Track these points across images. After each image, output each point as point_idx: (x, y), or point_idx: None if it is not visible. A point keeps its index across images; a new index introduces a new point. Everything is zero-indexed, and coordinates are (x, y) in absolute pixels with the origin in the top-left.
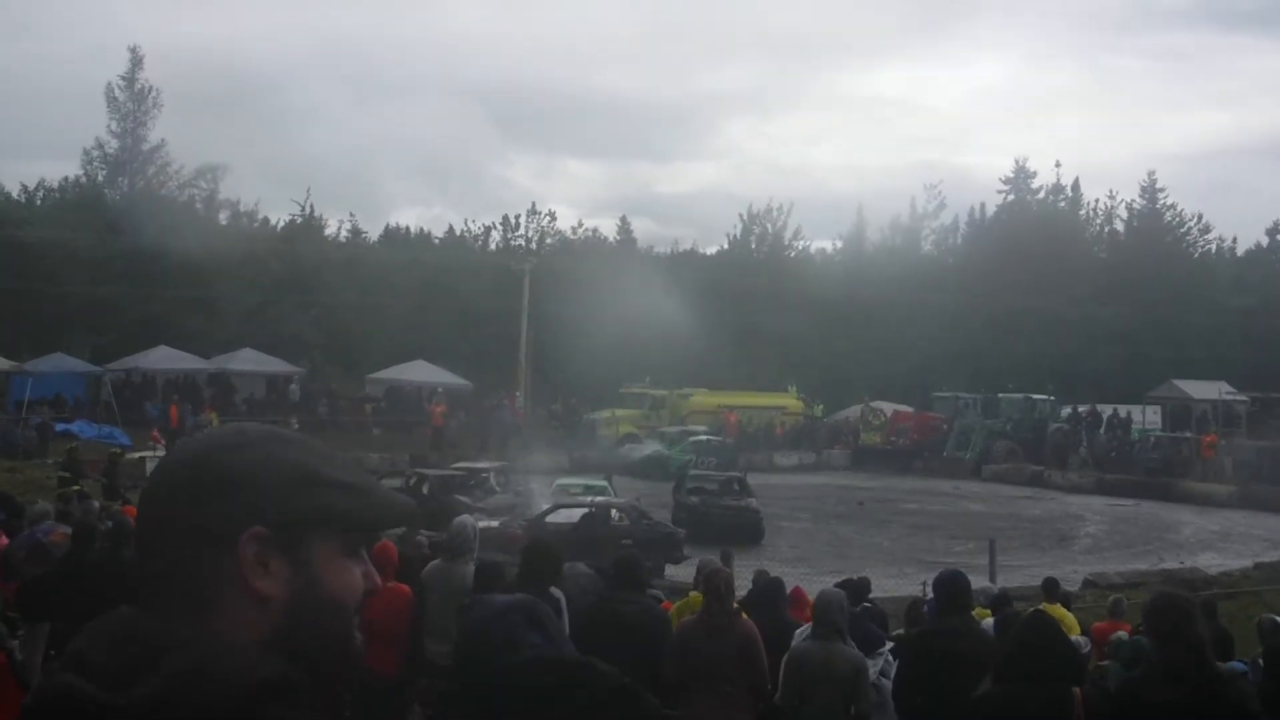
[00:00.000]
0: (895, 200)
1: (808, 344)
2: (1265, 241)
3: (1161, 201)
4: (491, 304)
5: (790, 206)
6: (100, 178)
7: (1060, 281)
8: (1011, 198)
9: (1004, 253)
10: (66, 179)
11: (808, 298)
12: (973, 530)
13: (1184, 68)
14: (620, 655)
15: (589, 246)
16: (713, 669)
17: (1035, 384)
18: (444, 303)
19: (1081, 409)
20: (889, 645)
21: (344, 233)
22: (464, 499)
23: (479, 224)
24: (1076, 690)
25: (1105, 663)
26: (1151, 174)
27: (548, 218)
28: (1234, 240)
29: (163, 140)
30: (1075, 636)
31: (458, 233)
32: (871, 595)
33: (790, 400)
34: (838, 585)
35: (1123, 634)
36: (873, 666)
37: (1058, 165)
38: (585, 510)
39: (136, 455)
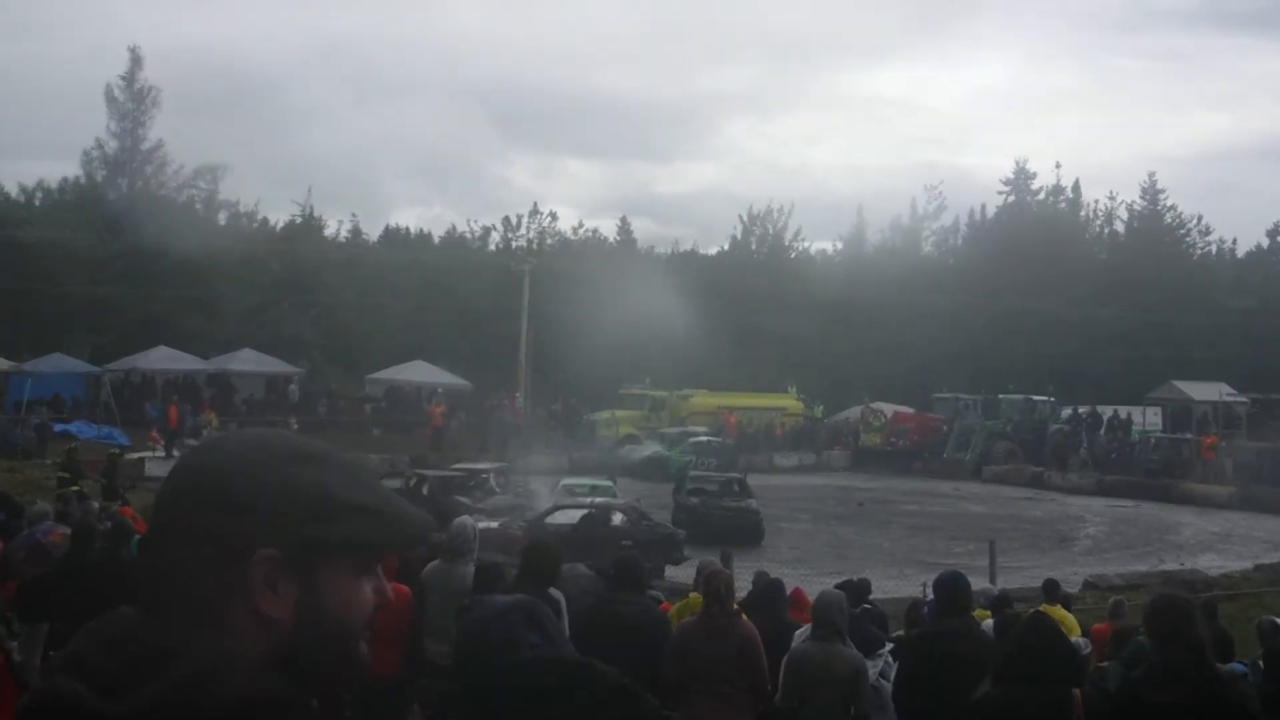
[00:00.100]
0: (895, 201)
1: (808, 345)
2: (1265, 243)
3: (1162, 203)
4: (491, 304)
5: (791, 208)
6: (100, 178)
7: (1060, 282)
8: (1012, 199)
9: (1004, 254)
10: (66, 179)
11: (808, 298)
12: (973, 531)
13: (1184, 69)
14: (620, 656)
15: (589, 247)
16: (713, 670)
17: (1035, 385)
18: (444, 303)
19: (1082, 410)
20: (889, 646)
21: (344, 233)
22: (464, 500)
23: (479, 224)
24: (1076, 692)
25: (1105, 664)
26: (1152, 175)
27: (549, 218)
28: (1234, 241)
29: (161, 140)
30: (1075, 638)
31: (458, 233)
32: (871, 596)
33: (790, 401)
34: (838, 586)
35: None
36: (872, 668)
37: (1058, 166)
38: (585, 511)
39: (136, 456)
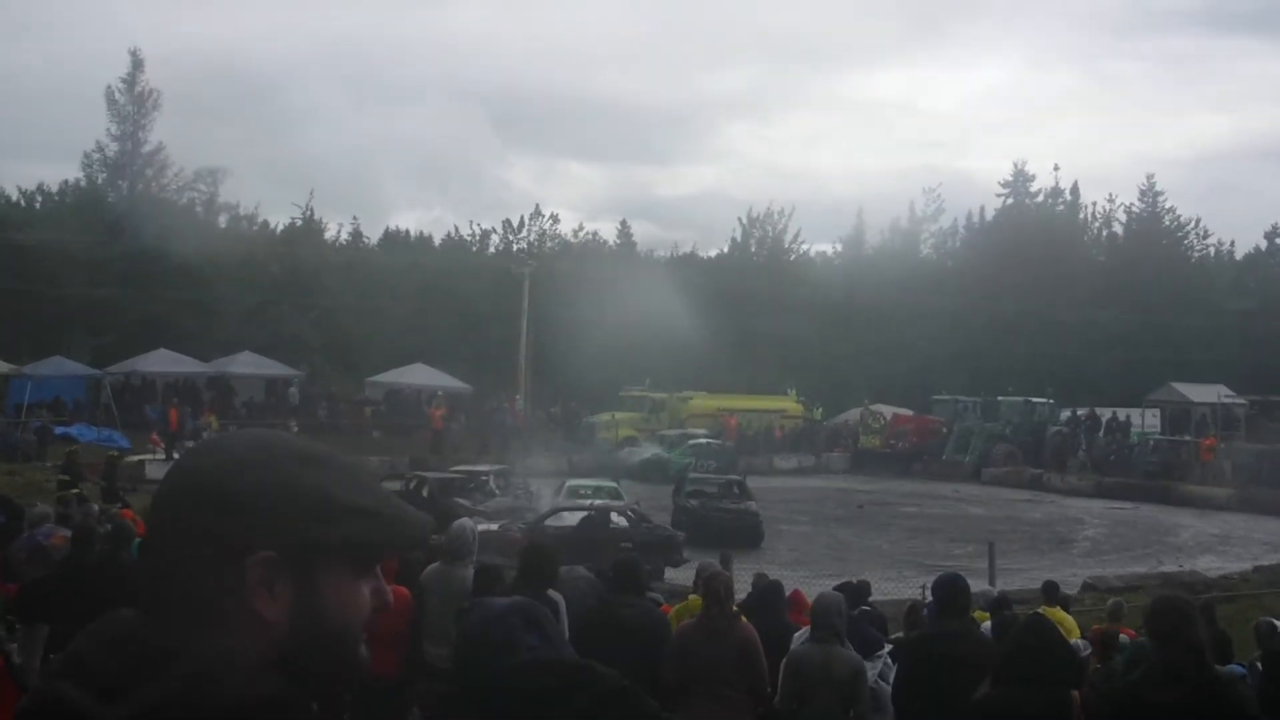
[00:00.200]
0: (895, 203)
1: (807, 347)
2: (1264, 245)
3: (1160, 205)
4: (491, 307)
5: (791, 210)
6: (100, 180)
7: (1059, 285)
8: (1010, 201)
9: (1003, 256)
10: (66, 182)
11: (807, 301)
12: (972, 533)
13: (1183, 71)
14: (620, 658)
15: (589, 249)
16: (712, 672)
17: (1034, 387)
18: (444, 306)
19: (1080, 412)
20: (888, 648)
21: (344, 235)
22: (463, 502)
23: (479, 226)
24: (1075, 693)
25: (1099, 665)
26: (1150, 177)
27: (550, 221)
28: (1232, 244)
29: (161, 143)
30: (1074, 640)
31: (458, 236)
32: (871, 598)
33: (790, 403)
34: (837, 588)
35: (1123, 637)
36: (871, 669)
37: (1056, 169)
38: (585, 513)
39: (136, 458)
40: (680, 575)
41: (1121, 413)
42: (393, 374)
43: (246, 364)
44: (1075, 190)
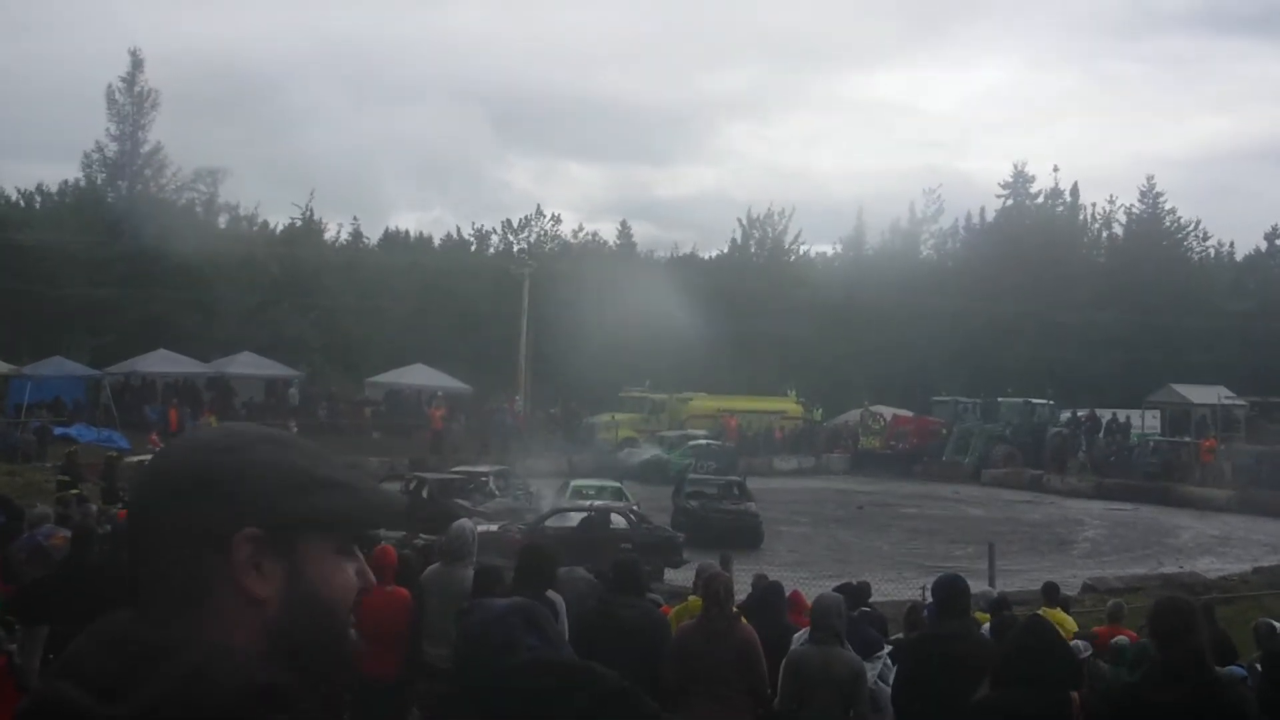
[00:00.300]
0: (895, 204)
1: (807, 348)
2: (1264, 246)
3: (1160, 206)
4: (491, 307)
5: (791, 211)
6: (100, 180)
7: (1059, 286)
8: (1010, 202)
9: (1003, 257)
10: (66, 182)
11: (807, 302)
12: (972, 534)
13: (1183, 72)
14: (619, 659)
15: (589, 250)
16: (712, 673)
17: (1034, 388)
18: (444, 306)
19: (1080, 413)
20: (887, 649)
21: (344, 236)
22: (463, 503)
23: (478, 226)
24: (1074, 694)
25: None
26: (1150, 178)
27: (550, 221)
28: (1232, 245)
29: (161, 143)
30: (1074, 642)
31: (458, 236)
32: (871, 599)
33: (790, 404)
34: (837, 589)
35: (1123, 638)
36: (871, 670)
37: (1056, 170)
38: (584, 514)
39: (135, 459)
40: (680, 576)
41: (1121, 414)
42: (392, 374)
43: (246, 364)
44: (1075, 191)
